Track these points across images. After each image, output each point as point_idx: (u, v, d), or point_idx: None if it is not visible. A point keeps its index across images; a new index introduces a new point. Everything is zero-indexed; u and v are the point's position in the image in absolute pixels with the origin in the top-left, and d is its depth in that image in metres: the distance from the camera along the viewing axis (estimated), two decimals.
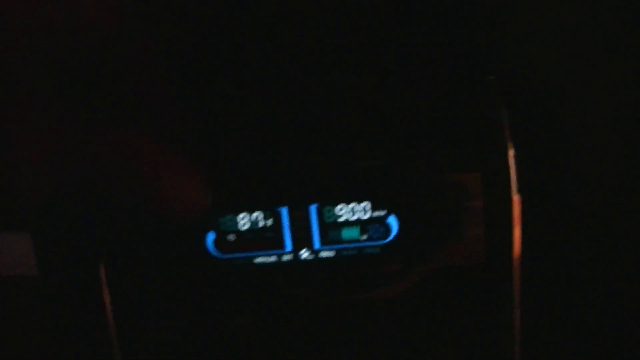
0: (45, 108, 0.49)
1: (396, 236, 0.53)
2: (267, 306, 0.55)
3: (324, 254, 0.53)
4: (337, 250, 0.53)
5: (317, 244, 0.53)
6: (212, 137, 0.53)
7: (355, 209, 0.53)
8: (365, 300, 0.55)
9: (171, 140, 0.50)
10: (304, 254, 0.53)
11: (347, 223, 0.53)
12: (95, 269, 0.54)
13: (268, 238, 0.53)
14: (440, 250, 0.53)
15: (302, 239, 0.53)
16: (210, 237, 0.53)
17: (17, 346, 0.65)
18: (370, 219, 0.53)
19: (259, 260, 0.54)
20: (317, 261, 0.54)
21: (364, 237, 0.53)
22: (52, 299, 0.58)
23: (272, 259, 0.54)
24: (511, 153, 0.53)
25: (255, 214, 0.53)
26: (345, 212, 0.53)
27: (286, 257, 0.54)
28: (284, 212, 0.53)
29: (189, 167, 0.47)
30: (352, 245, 0.53)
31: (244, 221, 0.53)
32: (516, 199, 0.53)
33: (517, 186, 0.53)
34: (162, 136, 0.50)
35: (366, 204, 0.53)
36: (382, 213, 0.53)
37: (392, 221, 0.53)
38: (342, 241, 0.53)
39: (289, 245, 0.53)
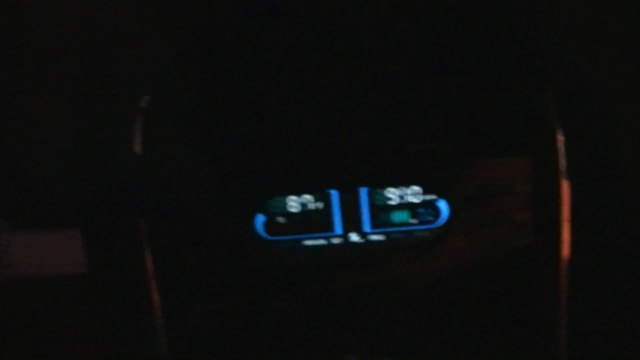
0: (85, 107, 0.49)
1: (447, 220, 0.53)
2: (315, 290, 0.55)
3: (374, 237, 0.53)
4: (387, 234, 0.53)
5: (367, 227, 0.53)
6: (262, 122, 0.53)
7: (405, 193, 0.53)
8: (414, 285, 0.55)
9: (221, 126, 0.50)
10: (354, 236, 0.53)
11: (398, 206, 0.53)
12: (142, 259, 0.54)
13: (317, 221, 0.53)
14: (489, 234, 0.53)
15: (351, 221, 0.53)
16: (260, 219, 0.53)
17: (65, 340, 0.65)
18: (421, 203, 0.53)
19: (308, 242, 0.54)
20: (366, 244, 0.54)
21: (414, 220, 0.53)
22: (100, 294, 0.59)
23: (321, 241, 0.54)
24: (560, 138, 0.53)
25: (305, 197, 0.53)
26: (395, 195, 0.53)
27: (335, 240, 0.54)
28: (335, 195, 0.53)
29: (239, 152, 0.47)
30: (402, 228, 0.53)
31: (293, 204, 0.53)
32: (565, 183, 0.53)
33: (566, 171, 0.53)
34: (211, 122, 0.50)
35: (417, 188, 0.53)
36: (432, 197, 0.53)
37: (442, 205, 0.53)
38: (392, 224, 0.53)
39: (338, 228, 0.53)
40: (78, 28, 0.58)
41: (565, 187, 0.53)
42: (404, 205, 0.53)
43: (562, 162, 0.53)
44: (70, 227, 0.64)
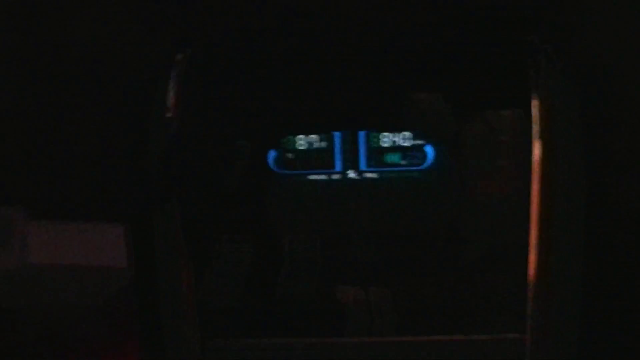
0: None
1: (432, 163, 0.61)
2: (317, 221, 0.64)
3: (369, 175, 0.62)
4: (380, 173, 0.62)
5: (363, 166, 0.62)
6: (279, 74, 0.62)
7: (398, 137, 0.61)
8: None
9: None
10: (351, 173, 0.62)
11: (390, 149, 0.61)
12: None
13: (321, 158, 0.62)
14: (474, 178, 0.61)
15: (350, 160, 0.62)
16: (272, 154, 0.62)
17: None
18: (411, 147, 0.61)
19: (312, 177, 0.62)
20: (362, 181, 0.62)
21: (404, 162, 0.61)
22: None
23: (323, 177, 0.62)
24: (535, 101, 0.60)
25: (311, 136, 0.62)
26: (389, 139, 0.61)
27: (335, 176, 0.62)
28: (337, 136, 0.61)
29: (259, 98, 0.56)
30: (394, 169, 0.62)
31: (301, 142, 0.62)
32: (537, 143, 0.61)
33: (539, 131, 0.61)
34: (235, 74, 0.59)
35: (408, 133, 0.61)
36: (420, 142, 0.61)
37: (429, 150, 0.61)
38: (384, 164, 0.62)
39: (338, 165, 0.62)
40: None
41: (538, 146, 0.61)
42: (396, 148, 0.61)
43: (537, 122, 0.61)
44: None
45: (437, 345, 0.62)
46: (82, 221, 0.75)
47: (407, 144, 0.61)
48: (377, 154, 0.62)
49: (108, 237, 0.74)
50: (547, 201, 0.61)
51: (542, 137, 0.61)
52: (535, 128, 0.61)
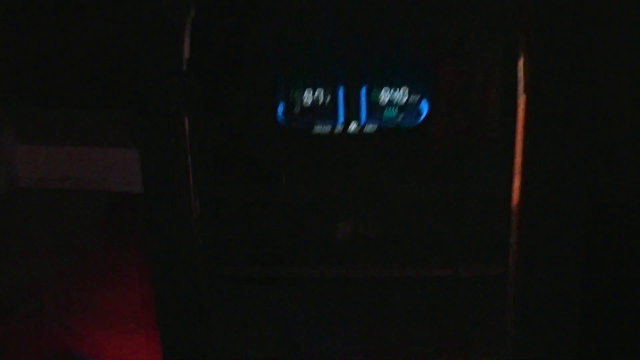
0: None
1: (425, 119, 0.68)
2: (320, 170, 0.70)
3: (368, 128, 0.68)
4: (378, 126, 0.68)
5: (363, 119, 0.68)
6: (289, 35, 0.67)
7: (396, 94, 0.67)
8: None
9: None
10: (353, 126, 0.68)
11: (388, 103, 0.67)
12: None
13: (325, 111, 0.68)
14: (460, 130, 0.68)
15: (352, 114, 0.68)
16: (281, 107, 0.68)
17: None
18: (406, 102, 0.67)
19: (317, 129, 0.68)
20: (362, 134, 0.68)
21: (401, 115, 0.68)
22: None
23: (327, 128, 0.68)
24: (521, 61, 0.67)
25: (317, 90, 0.67)
26: (387, 94, 0.67)
27: (338, 129, 0.68)
28: (340, 91, 0.67)
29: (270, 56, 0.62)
30: (391, 122, 0.68)
31: (308, 95, 0.68)
32: (522, 98, 0.68)
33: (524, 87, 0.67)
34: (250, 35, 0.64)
35: (404, 89, 0.67)
36: (416, 97, 0.67)
37: (424, 106, 0.67)
38: (383, 119, 0.68)
39: (341, 118, 0.68)
40: None
41: (522, 101, 0.68)
42: (393, 103, 0.67)
43: (521, 79, 0.67)
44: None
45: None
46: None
47: (404, 99, 0.67)
48: (376, 109, 0.68)
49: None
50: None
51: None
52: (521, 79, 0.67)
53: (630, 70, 0.80)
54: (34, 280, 0.94)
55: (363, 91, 0.67)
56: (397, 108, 0.68)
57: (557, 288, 0.69)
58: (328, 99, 0.68)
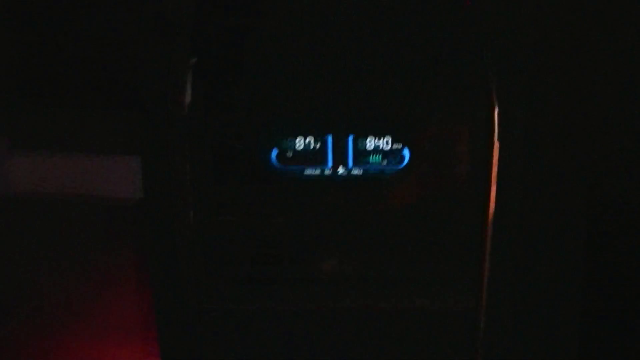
0: None
1: (407, 164, 0.74)
2: (311, 208, 0.76)
3: (355, 171, 0.74)
4: (364, 170, 0.74)
5: (350, 164, 0.74)
6: (283, 83, 0.73)
7: (380, 141, 0.74)
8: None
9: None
10: (341, 170, 0.74)
11: (374, 151, 0.74)
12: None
13: (316, 157, 0.74)
14: (439, 177, 0.74)
15: (340, 159, 0.74)
16: (274, 152, 0.74)
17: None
18: (390, 149, 0.74)
19: (308, 172, 0.75)
20: (349, 177, 0.74)
21: (385, 162, 0.74)
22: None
23: (317, 172, 0.74)
24: (495, 109, 0.73)
25: (308, 138, 0.74)
26: (372, 142, 0.74)
27: (327, 172, 0.74)
28: (329, 138, 0.74)
29: (264, 105, 0.68)
30: (376, 167, 0.74)
31: (299, 142, 0.74)
32: (496, 145, 0.74)
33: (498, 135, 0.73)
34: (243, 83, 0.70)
35: (388, 138, 0.73)
36: (399, 146, 0.74)
37: (406, 152, 0.74)
38: (369, 163, 0.74)
39: (330, 163, 0.74)
40: None
41: (496, 148, 0.74)
42: (378, 150, 0.74)
43: (496, 130, 0.73)
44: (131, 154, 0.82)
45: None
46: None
47: (387, 147, 0.74)
48: (362, 155, 0.74)
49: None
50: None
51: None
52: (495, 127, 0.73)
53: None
54: (32, 283, 0.96)
55: (350, 139, 0.74)
56: (381, 154, 0.74)
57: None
58: (318, 145, 0.74)
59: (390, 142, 0.74)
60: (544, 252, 0.79)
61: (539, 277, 0.79)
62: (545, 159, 0.77)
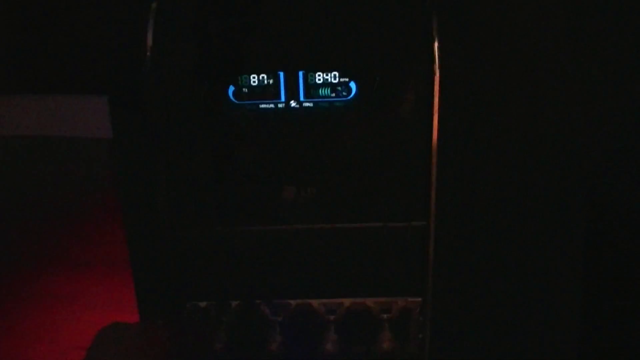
0: None
1: (354, 96, 0.80)
2: (265, 140, 0.82)
3: (306, 104, 0.81)
4: (315, 103, 0.80)
5: (302, 97, 0.80)
6: (240, 23, 0.79)
7: (328, 76, 0.80)
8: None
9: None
10: (293, 103, 0.81)
11: (323, 84, 0.80)
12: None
13: (269, 92, 0.80)
14: (386, 108, 0.81)
15: (292, 93, 0.80)
16: (231, 89, 0.80)
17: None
18: (338, 83, 0.80)
19: (262, 106, 0.81)
20: (301, 109, 0.81)
21: (333, 94, 0.80)
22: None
23: (271, 106, 0.81)
24: (435, 43, 0.79)
25: (262, 75, 0.80)
26: (321, 77, 0.80)
27: (280, 105, 0.81)
28: (281, 75, 0.80)
29: (222, 43, 0.73)
30: (325, 99, 0.80)
31: (254, 79, 0.80)
32: (436, 77, 0.80)
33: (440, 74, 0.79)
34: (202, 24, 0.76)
35: (336, 72, 0.79)
36: (346, 79, 0.80)
37: (353, 85, 0.80)
38: (318, 97, 0.80)
39: (283, 97, 0.80)
40: None
41: (437, 78, 0.80)
42: (327, 84, 0.80)
43: (435, 57, 0.79)
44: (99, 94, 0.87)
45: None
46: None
47: (335, 80, 0.80)
48: (312, 88, 0.80)
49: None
50: None
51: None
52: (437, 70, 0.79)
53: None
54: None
55: (300, 74, 0.80)
56: (329, 87, 0.80)
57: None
58: (271, 81, 0.80)
59: (337, 76, 0.80)
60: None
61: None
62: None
